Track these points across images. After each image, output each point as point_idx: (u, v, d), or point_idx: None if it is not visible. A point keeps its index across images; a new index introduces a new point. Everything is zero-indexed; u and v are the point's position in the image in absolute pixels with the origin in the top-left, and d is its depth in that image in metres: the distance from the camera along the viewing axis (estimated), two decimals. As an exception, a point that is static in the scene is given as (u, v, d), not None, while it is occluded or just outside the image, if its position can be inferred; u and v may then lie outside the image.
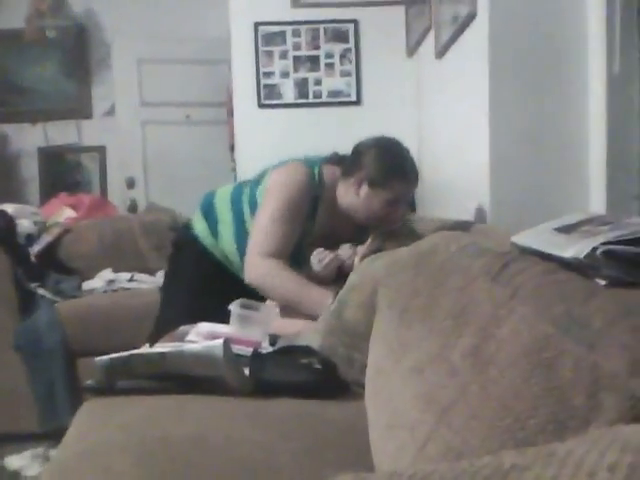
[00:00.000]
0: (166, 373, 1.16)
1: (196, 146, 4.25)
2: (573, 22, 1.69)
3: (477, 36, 1.83)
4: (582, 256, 0.65)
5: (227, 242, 1.83)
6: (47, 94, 4.30)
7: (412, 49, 2.96)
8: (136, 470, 0.88)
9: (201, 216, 1.89)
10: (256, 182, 1.82)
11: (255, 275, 1.68)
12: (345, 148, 3.09)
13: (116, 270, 2.64)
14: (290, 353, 1.22)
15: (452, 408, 0.72)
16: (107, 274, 2.59)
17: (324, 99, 3.15)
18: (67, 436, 1.08)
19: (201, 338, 1.34)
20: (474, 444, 0.65)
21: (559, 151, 1.75)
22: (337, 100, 3.15)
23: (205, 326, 1.44)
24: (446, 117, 2.33)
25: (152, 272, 2.69)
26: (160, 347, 1.25)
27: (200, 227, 1.88)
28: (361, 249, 1.66)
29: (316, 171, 1.74)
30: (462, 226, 1.62)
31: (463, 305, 0.81)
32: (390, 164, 1.68)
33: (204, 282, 1.84)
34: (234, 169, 3.39)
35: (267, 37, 3.11)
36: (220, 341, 1.11)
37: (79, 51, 4.27)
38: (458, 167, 2.09)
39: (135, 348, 1.68)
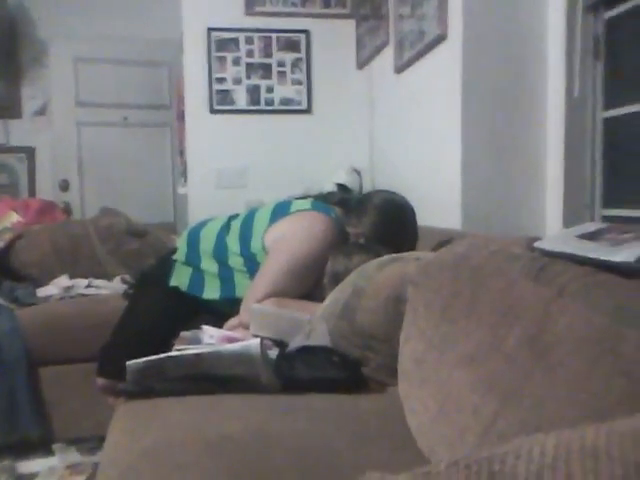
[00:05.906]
0: (199, 374, 1.20)
1: (133, 149, 4.18)
2: (536, 49, 1.89)
3: (447, 56, 1.99)
4: (633, 260, 0.79)
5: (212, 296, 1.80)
6: (-28, 91, 4.08)
7: (363, 62, 3.10)
8: (207, 464, 0.93)
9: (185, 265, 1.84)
10: (247, 224, 1.77)
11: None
12: (296, 155, 3.21)
13: (72, 276, 2.58)
14: (311, 352, 1.30)
15: (517, 391, 0.83)
16: (64, 280, 2.52)
17: (276, 106, 3.23)
18: (110, 440, 1.10)
19: (218, 340, 1.39)
20: (550, 416, 0.76)
21: (522, 165, 1.94)
22: (288, 108, 3.24)
23: (212, 330, 1.49)
24: (410, 130, 2.48)
25: (109, 277, 2.65)
26: (184, 349, 1.28)
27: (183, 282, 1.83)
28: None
29: (334, 216, 1.71)
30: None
31: (509, 303, 0.93)
32: (385, 237, 1.67)
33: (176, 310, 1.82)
34: (184, 173, 3.38)
35: (220, 43, 3.15)
36: (257, 340, 1.18)
37: (9, 48, 4.08)
38: (429, 178, 2.24)
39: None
